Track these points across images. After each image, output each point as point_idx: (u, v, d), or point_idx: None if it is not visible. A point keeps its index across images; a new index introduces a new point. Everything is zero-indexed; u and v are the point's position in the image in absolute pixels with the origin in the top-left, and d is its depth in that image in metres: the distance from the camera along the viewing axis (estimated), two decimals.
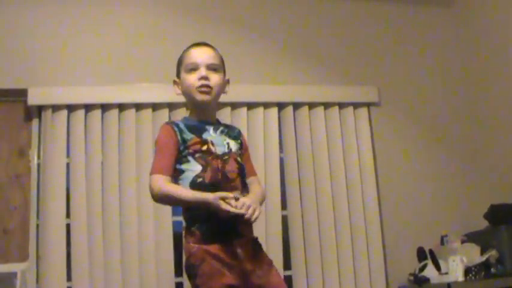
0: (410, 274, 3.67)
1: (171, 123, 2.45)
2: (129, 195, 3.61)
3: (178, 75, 2.55)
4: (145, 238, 3.57)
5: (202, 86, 2.42)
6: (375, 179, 3.94)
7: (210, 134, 2.43)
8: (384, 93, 4.10)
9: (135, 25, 3.92)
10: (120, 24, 3.90)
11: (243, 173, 2.44)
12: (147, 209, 3.59)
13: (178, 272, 3.59)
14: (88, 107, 3.68)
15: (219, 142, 2.42)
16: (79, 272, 3.46)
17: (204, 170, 2.33)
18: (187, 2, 4.04)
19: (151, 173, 2.36)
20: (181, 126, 2.42)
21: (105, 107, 3.71)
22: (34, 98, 3.62)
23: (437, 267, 3.57)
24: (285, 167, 3.88)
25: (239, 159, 2.46)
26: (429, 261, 3.61)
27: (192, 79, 2.44)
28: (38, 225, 3.58)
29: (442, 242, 3.78)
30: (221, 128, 2.50)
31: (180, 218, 3.58)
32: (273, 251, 3.64)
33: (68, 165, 3.62)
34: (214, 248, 2.23)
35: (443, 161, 4.11)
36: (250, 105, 3.86)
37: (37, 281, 3.48)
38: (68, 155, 3.64)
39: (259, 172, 3.66)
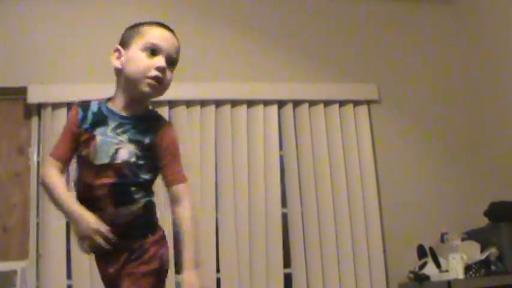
0: (411, 272, 3.67)
1: (81, 106, 2.09)
2: None
3: (124, 45, 2.11)
4: None
5: (155, 77, 2.01)
6: (375, 177, 3.93)
7: (106, 133, 2.02)
8: (384, 91, 4.10)
9: (132, 23, 3.90)
10: (119, 22, 3.86)
11: (124, 190, 1.99)
12: None
13: (178, 270, 3.59)
14: None
15: (105, 147, 2.00)
16: (79, 270, 3.45)
17: (79, 179, 2.04)
18: (190, 3, 4.03)
19: (49, 154, 2.10)
20: (89, 114, 2.06)
21: None
22: (34, 96, 3.61)
23: (438, 264, 3.56)
24: (285, 164, 3.87)
25: (126, 171, 1.98)
26: (429, 259, 3.61)
27: (147, 63, 2.01)
28: (38, 223, 3.58)
29: (442, 240, 3.77)
30: (127, 126, 2.03)
31: None
32: (273, 248, 3.65)
33: None
34: None
35: (444, 158, 4.11)
36: (250, 103, 3.85)
37: (37, 279, 3.47)
38: None
39: (259, 170, 3.73)
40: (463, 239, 3.68)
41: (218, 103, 3.81)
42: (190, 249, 1.98)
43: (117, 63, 2.08)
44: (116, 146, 1.99)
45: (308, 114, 3.93)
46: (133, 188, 2.00)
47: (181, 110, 3.75)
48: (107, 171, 1.98)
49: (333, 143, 3.92)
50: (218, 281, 3.60)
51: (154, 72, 2.01)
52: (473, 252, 3.53)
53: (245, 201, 3.70)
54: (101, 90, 3.60)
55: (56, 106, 3.63)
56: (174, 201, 2.04)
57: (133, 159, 2.00)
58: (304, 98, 3.94)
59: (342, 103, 4.00)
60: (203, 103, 3.79)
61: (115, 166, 1.98)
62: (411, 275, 3.65)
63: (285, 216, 3.80)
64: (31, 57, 3.70)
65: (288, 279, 3.73)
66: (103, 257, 2.01)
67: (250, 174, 3.75)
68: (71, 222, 1.99)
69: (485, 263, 3.47)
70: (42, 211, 3.52)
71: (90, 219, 1.93)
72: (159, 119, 2.13)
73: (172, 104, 3.75)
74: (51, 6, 3.82)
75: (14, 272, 3.43)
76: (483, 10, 4.13)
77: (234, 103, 3.83)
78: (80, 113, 2.06)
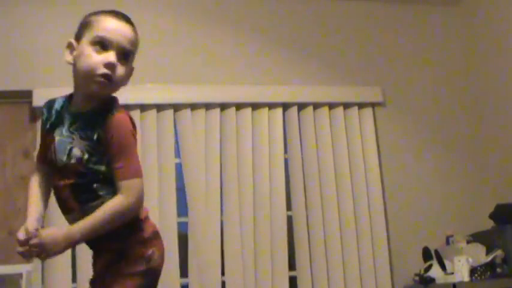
0: (416, 274, 3.66)
1: (47, 104, 2.05)
2: None
3: (77, 38, 1.99)
4: None
5: (103, 75, 1.90)
6: (380, 179, 3.93)
7: (61, 132, 1.96)
8: (389, 93, 4.09)
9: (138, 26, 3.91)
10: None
11: (88, 186, 1.93)
12: (151, 209, 3.57)
13: (183, 273, 3.59)
14: None
15: (62, 147, 1.94)
16: (84, 273, 3.45)
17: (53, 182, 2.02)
18: (195, 5, 4.03)
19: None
20: (53, 112, 2.00)
21: None
22: (39, 99, 3.62)
23: (443, 267, 3.56)
24: (290, 167, 3.86)
25: (82, 168, 1.92)
26: (435, 262, 3.60)
27: (95, 59, 1.90)
28: (43, 227, 3.58)
29: (447, 242, 3.77)
30: (79, 123, 1.95)
31: (186, 219, 3.65)
32: (278, 251, 3.65)
33: None
34: None
35: (449, 160, 4.10)
36: (255, 106, 3.85)
37: (42, 282, 3.48)
38: None
39: (264, 173, 3.73)
40: (468, 242, 3.67)
41: (223, 106, 3.81)
42: (89, 219, 1.87)
43: (69, 58, 1.99)
44: (70, 145, 1.92)
45: (313, 117, 3.92)
46: (95, 185, 1.93)
47: (185, 113, 3.75)
48: (67, 172, 1.93)
49: (338, 146, 3.92)
50: (223, 284, 3.60)
51: (102, 70, 1.89)
52: (479, 254, 3.52)
53: (250, 204, 3.70)
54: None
55: None
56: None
57: (86, 156, 1.91)
58: (308, 101, 3.93)
59: (346, 106, 3.99)
60: (208, 106, 3.79)
61: (71, 165, 1.92)
62: (416, 278, 3.65)
63: (289, 219, 3.80)
64: (36, 60, 3.71)
65: (293, 282, 3.72)
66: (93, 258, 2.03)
67: (255, 177, 3.75)
68: None
69: (490, 266, 3.47)
70: (47, 214, 3.52)
71: (26, 223, 1.94)
72: (108, 110, 1.95)
73: (176, 107, 3.75)
74: (56, 9, 3.82)
75: (20, 276, 3.43)
76: (487, 12, 4.12)
77: (239, 106, 3.83)
78: (45, 114, 2.01)
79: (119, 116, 1.95)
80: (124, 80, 1.99)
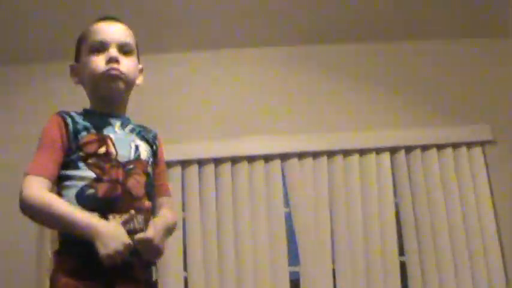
0: None
1: (64, 114, 1.90)
2: (244, 246, 3.63)
3: (77, 59, 2.00)
4: None
5: (111, 69, 1.89)
6: (494, 219, 3.76)
7: (114, 131, 1.91)
8: (498, 130, 3.95)
9: (250, 80, 4.00)
10: (228, 81, 3.99)
11: (152, 191, 1.93)
12: (263, 259, 3.61)
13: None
14: (201, 162, 3.75)
15: (123, 144, 1.89)
16: None
17: (98, 179, 1.79)
18: (297, 54, 4.03)
19: (26, 173, 1.78)
20: (76, 118, 1.89)
21: (218, 161, 3.76)
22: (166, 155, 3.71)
23: None
24: (401, 212, 3.78)
25: (149, 170, 1.93)
26: None
27: (98, 62, 1.89)
28: (156, 280, 3.62)
29: None
30: (131, 126, 1.98)
31: (298, 269, 3.64)
32: None
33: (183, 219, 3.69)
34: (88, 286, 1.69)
35: None
36: (362, 152, 3.81)
37: None
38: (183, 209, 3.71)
39: (374, 219, 3.67)
40: None
41: (329, 154, 3.79)
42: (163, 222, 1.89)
43: (74, 80, 2.00)
44: (134, 143, 1.92)
45: (421, 159, 3.83)
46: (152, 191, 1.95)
47: (293, 163, 3.76)
48: (135, 168, 1.87)
49: (448, 187, 3.80)
50: None
51: (107, 66, 1.89)
52: None
53: (361, 251, 3.65)
54: (227, 145, 3.74)
55: (169, 165, 3.71)
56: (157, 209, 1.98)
57: (151, 159, 1.98)
58: (416, 144, 3.85)
59: (455, 146, 3.88)
60: (315, 155, 3.78)
61: (142, 162, 1.90)
62: None
63: (403, 265, 3.71)
64: (146, 120, 3.79)
65: None
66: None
67: (365, 224, 3.69)
68: (82, 234, 1.70)
69: None
70: (160, 266, 3.59)
71: (117, 232, 1.71)
72: (150, 129, 2.10)
73: (284, 157, 3.77)
74: (174, 68, 3.96)
75: None
76: None
77: (346, 153, 3.79)
78: (67, 118, 1.88)
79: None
80: (132, 72, 1.97)
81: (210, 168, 3.73)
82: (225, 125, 3.87)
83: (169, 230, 1.95)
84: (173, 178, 3.64)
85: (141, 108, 3.78)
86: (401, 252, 3.73)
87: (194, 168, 3.73)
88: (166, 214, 1.95)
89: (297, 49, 4.03)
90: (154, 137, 2.05)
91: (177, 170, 3.72)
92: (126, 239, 1.69)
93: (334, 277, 3.64)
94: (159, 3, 3.56)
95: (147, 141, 1.98)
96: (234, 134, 3.81)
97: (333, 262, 3.66)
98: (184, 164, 3.74)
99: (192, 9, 3.62)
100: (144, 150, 1.93)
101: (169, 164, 3.67)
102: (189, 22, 3.74)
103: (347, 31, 3.96)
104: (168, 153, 3.59)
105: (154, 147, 2.01)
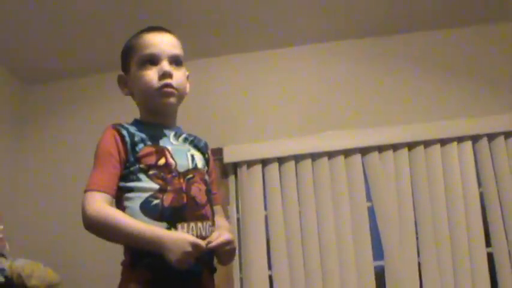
0: None
1: (119, 126, 1.89)
2: (328, 242, 3.62)
3: (125, 69, 2.00)
4: (346, 286, 3.56)
5: (165, 86, 1.88)
6: None
7: (170, 142, 1.92)
8: None
9: (318, 76, 3.98)
10: (303, 77, 3.99)
11: (211, 199, 1.93)
12: (347, 255, 3.60)
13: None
14: (281, 160, 3.76)
15: (180, 154, 1.89)
16: None
17: (162, 189, 1.78)
18: (372, 48, 3.99)
19: (86, 190, 1.78)
20: (131, 129, 1.88)
21: (298, 158, 3.76)
22: (229, 156, 3.73)
23: None
24: (485, 201, 3.68)
25: (207, 178, 1.94)
26: None
27: (150, 76, 1.88)
28: (241, 279, 3.67)
29: None
30: (184, 135, 1.99)
31: (380, 263, 3.60)
32: None
33: (266, 217, 3.71)
34: None
35: None
36: (444, 141, 3.73)
37: None
38: (265, 208, 3.73)
39: (458, 209, 3.59)
40: None
41: (410, 146, 3.73)
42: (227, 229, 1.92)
43: (124, 91, 2.00)
44: (189, 153, 1.93)
45: (505, 146, 3.71)
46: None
47: (374, 157, 3.72)
48: (194, 177, 1.88)
49: None
50: None
51: (160, 82, 1.88)
52: None
53: (447, 242, 3.58)
54: (307, 142, 3.73)
55: (250, 164, 3.75)
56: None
57: (206, 168, 1.99)
58: (499, 131, 3.73)
59: None
60: (395, 147, 3.73)
61: (200, 171, 1.91)
62: None
63: (490, 256, 3.62)
64: (225, 120, 3.89)
65: None
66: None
67: (449, 214, 3.62)
68: (152, 248, 1.70)
69: None
70: (244, 267, 3.62)
71: (180, 235, 1.71)
72: (200, 138, 2.08)
73: (364, 150, 3.73)
74: (240, 68, 3.99)
75: None
76: None
77: (427, 143, 3.72)
78: (123, 131, 1.87)
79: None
80: (184, 85, 1.97)
81: (290, 165, 3.74)
82: (304, 121, 3.87)
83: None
84: (256, 177, 3.71)
85: (221, 107, 3.87)
86: (488, 243, 3.65)
87: (275, 166, 3.74)
88: (224, 222, 2.00)
89: (373, 41, 4.00)
90: (206, 146, 2.07)
91: (257, 169, 3.74)
92: (190, 238, 1.70)
93: (419, 270, 3.59)
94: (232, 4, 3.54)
95: (199, 150, 2.00)
96: (313, 130, 3.80)
97: (418, 255, 3.61)
98: (265, 162, 3.76)
99: (266, 8, 3.58)
100: (200, 160, 1.95)
101: (251, 163, 3.70)
102: (265, 21, 3.73)
103: (420, 19, 3.87)
104: (250, 152, 3.69)
105: (206, 155, 2.03)
